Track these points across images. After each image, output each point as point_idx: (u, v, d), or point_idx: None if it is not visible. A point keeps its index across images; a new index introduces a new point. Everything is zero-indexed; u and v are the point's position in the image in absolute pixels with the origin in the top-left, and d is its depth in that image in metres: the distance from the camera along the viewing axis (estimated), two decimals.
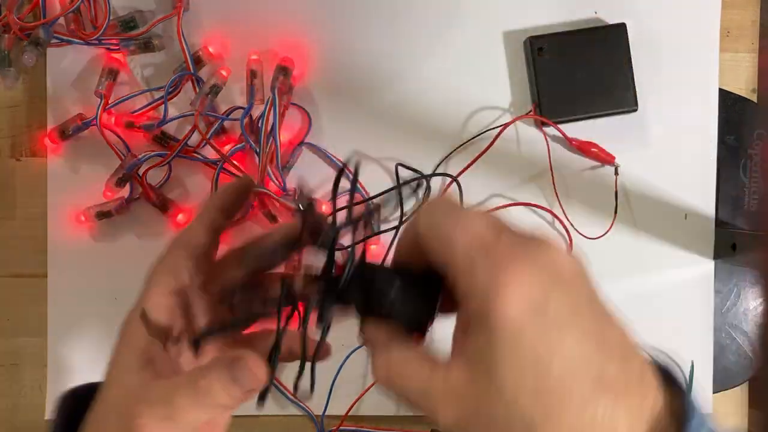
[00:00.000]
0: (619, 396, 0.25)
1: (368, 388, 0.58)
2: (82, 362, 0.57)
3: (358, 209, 0.34)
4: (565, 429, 0.25)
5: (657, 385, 0.26)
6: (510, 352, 0.25)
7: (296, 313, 0.33)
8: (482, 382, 0.25)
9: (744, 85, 0.61)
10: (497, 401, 0.25)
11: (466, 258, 0.26)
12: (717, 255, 0.59)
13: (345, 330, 0.59)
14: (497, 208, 0.58)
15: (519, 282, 0.25)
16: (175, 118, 0.57)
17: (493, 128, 0.58)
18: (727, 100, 0.60)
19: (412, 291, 0.30)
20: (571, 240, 0.59)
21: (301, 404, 0.58)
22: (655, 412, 0.26)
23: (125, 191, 0.56)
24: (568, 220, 0.59)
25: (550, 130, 0.58)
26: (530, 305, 0.25)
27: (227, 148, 0.56)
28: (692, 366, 0.59)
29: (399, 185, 0.57)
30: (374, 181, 0.58)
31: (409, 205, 0.58)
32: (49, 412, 0.58)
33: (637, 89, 0.57)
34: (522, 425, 0.25)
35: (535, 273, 0.25)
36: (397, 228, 0.57)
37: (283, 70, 0.55)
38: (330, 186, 0.58)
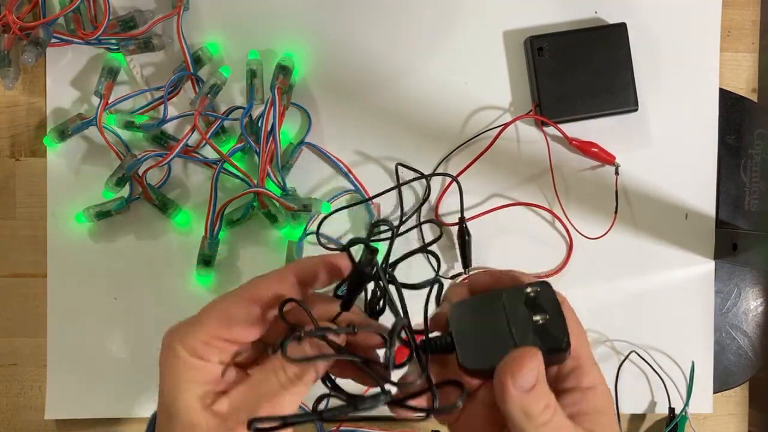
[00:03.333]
0: None
1: (368, 388, 0.58)
2: (82, 362, 0.57)
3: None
4: None
5: None
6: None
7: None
8: None
9: (744, 85, 0.61)
10: None
11: (588, 356, 0.34)
12: (717, 255, 0.59)
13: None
14: (497, 208, 0.58)
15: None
16: (175, 118, 0.57)
17: (493, 128, 0.58)
18: (727, 100, 0.60)
19: None
20: (571, 240, 0.59)
21: (301, 404, 0.58)
22: None
23: (125, 191, 0.56)
24: (568, 220, 0.59)
25: (550, 130, 0.58)
26: None
27: (227, 148, 0.56)
28: (692, 366, 0.59)
29: (399, 185, 0.57)
30: (374, 181, 0.58)
31: (409, 204, 0.58)
32: (49, 412, 0.58)
33: (637, 89, 0.57)
34: None
35: None
36: (397, 228, 0.57)
37: (283, 70, 0.55)
38: (330, 186, 0.58)
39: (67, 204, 0.57)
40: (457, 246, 0.58)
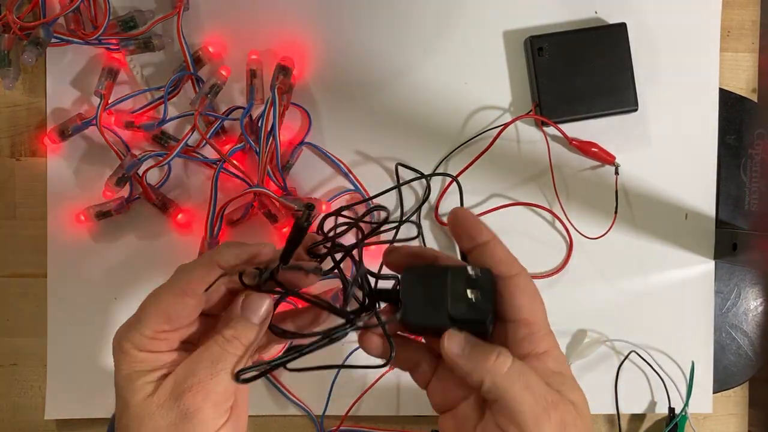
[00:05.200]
0: None
1: (368, 388, 0.58)
2: (82, 362, 0.57)
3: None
4: None
5: None
6: (580, 397, 0.36)
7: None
8: (570, 409, 0.35)
9: (744, 85, 0.61)
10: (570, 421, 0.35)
11: (543, 325, 0.36)
12: (717, 255, 0.59)
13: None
14: (497, 208, 0.58)
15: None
16: (175, 118, 0.57)
17: (493, 128, 0.58)
18: (728, 100, 0.60)
19: None
20: (571, 240, 0.59)
21: (301, 404, 0.58)
22: None
23: (125, 191, 0.56)
24: (568, 220, 0.59)
25: (550, 129, 0.58)
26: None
27: (227, 148, 0.56)
28: (692, 366, 0.59)
29: (399, 185, 0.57)
30: (374, 181, 0.58)
31: (409, 204, 0.58)
32: (49, 412, 0.58)
33: (637, 89, 0.57)
34: None
35: None
36: (397, 228, 0.57)
37: (283, 70, 0.55)
38: (330, 186, 0.58)
39: (67, 204, 0.57)
40: (456, 246, 0.58)
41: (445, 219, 0.58)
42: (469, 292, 0.35)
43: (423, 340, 0.39)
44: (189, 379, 0.35)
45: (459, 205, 0.57)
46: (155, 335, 0.37)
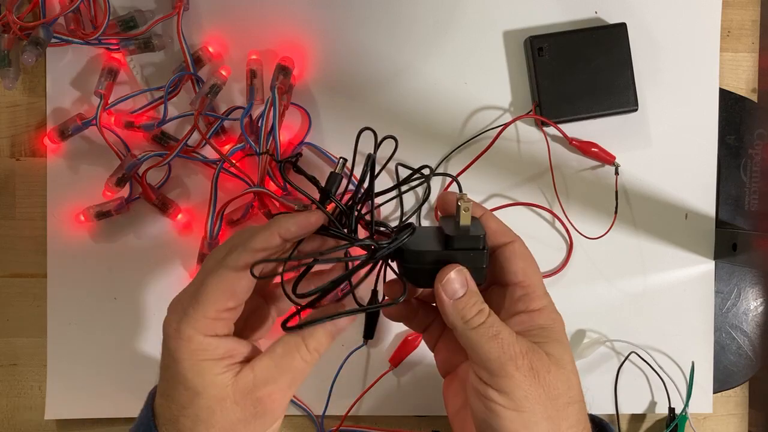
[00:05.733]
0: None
1: (368, 388, 0.58)
2: (82, 362, 0.57)
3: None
4: (580, 415, 0.38)
5: None
6: (569, 355, 0.39)
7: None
8: (556, 366, 0.38)
9: (744, 85, 0.61)
10: (564, 383, 0.38)
11: (538, 286, 0.40)
12: (717, 255, 0.59)
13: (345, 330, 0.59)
14: (497, 208, 0.58)
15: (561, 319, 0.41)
16: (175, 118, 0.57)
17: (493, 128, 0.58)
18: (728, 100, 0.60)
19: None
20: (571, 240, 0.59)
21: (301, 404, 0.58)
22: None
23: (125, 191, 0.56)
24: (568, 220, 0.59)
25: (550, 130, 0.58)
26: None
27: (227, 148, 0.56)
28: (692, 366, 0.59)
29: (399, 184, 0.57)
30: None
31: (410, 204, 0.58)
32: (49, 412, 0.58)
33: (637, 89, 0.57)
34: (564, 400, 0.38)
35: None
36: (397, 228, 0.57)
37: (283, 70, 0.55)
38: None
39: (67, 204, 0.57)
40: None
41: None
42: (462, 220, 0.38)
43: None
44: (270, 385, 0.37)
45: None
46: (218, 315, 0.36)
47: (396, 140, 0.43)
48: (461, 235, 0.38)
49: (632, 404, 0.60)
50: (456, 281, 0.37)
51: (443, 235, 0.39)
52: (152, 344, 0.58)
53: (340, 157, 0.42)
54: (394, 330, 0.58)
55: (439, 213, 0.41)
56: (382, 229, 0.43)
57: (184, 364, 0.36)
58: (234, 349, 0.37)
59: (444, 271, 0.37)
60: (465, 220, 0.39)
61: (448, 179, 0.58)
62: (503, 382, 0.36)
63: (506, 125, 0.58)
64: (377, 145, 0.42)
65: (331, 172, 0.42)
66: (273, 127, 0.54)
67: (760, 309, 0.61)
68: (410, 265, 0.39)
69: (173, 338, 0.36)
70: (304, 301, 0.38)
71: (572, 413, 0.37)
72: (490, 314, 0.37)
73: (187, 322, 0.36)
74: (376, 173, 0.41)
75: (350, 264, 0.40)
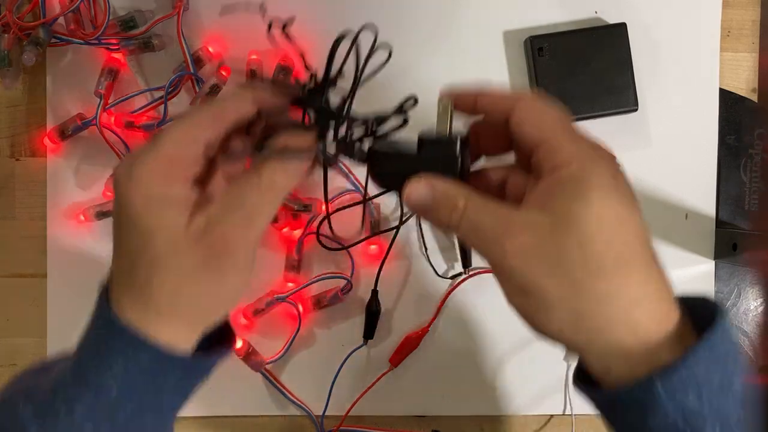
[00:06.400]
0: (665, 275, 0.33)
1: (368, 388, 0.58)
2: None
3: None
4: (630, 278, 0.31)
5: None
6: (597, 209, 0.32)
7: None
8: (562, 226, 0.31)
9: (744, 85, 0.61)
10: (574, 243, 0.31)
11: (559, 137, 0.34)
12: (717, 255, 0.59)
13: (345, 330, 0.60)
14: None
15: (607, 163, 0.34)
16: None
17: None
18: (728, 100, 0.60)
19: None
20: None
21: (301, 404, 0.58)
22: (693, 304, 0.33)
23: None
24: None
25: None
26: (613, 182, 0.33)
27: None
28: None
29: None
30: None
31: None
32: None
33: (637, 89, 0.57)
34: (594, 265, 0.31)
35: (613, 163, 0.35)
36: (397, 228, 0.57)
37: (283, 70, 0.55)
38: (330, 186, 0.58)
39: (67, 204, 0.57)
40: (456, 246, 0.58)
41: None
42: (439, 122, 0.38)
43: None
44: (223, 223, 0.33)
45: None
46: (174, 160, 0.34)
47: (390, 52, 0.42)
48: (434, 139, 0.37)
49: None
50: (416, 195, 0.36)
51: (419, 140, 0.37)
52: None
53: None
54: (394, 330, 0.58)
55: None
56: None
57: (136, 207, 0.33)
58: (188, 197, 0.34)
59: (406, 187, 0.36)
60: (442, 121, 0.37)
61: None
62: (500, 276, 0.33)
63: None
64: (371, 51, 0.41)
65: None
66: None
67: (760, 309, 0.61)
68: (377, 170, 0.38)
69: (123, 182, 0.33)
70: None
71: (605, 281, 0.31)
72: (466, 207, 0.34)
73: (140, 165, 0.33)
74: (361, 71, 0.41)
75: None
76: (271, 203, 0.35)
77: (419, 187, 0.36)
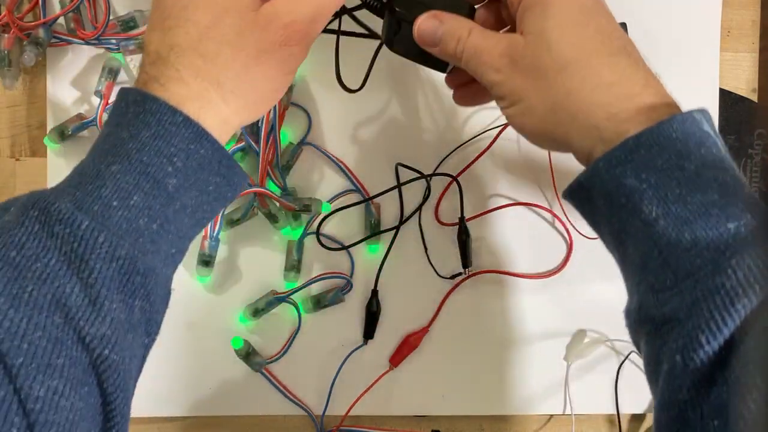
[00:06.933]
0: (640, 65, 0.38)
1: (368, 388, 0.58)
2: None
3: None
4: (593, 69, 0.36)
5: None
6: (558, 19, 0.37)
7: None
8: (534, 41, 0.37)
9: (744, 85, 0.61)
10: (543, 50, 0.36)
11: None
12: None
13: (345, 330, 0.60)
14: (497, 208, 0.58)
15: None
16: None
17: (493, 128, 0.58)
18: (728, 100, 0.60)
19: None
20: (571, 240, 0.59)
21: (301, 404, 0.58)
22: (665, 91, 0.38)
23: None
24: (568, 219, 0.59)
25: None
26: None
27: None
28: None
29: (399, 185, 0.57)
30: (374, 181, 0.58)
31: (410, 204, 0.58)
32: None
33: None
34: (561, 64, 0.36)
35: None
36: (397, 228, 0.57)
37: None
38: (330, 186, 0.58)
39: None
40: (457, 246, 0.58)
41: (445, 219, 0.58)
42: None
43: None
44: (294, 14, 0.36)
45: (459, 205, 0.57)
46: None
47: None
48: None
49: (632, 404, 0.60)
50: (425, 26, 0.40)
51: None
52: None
53: None
54: (394, 330, 0.58)
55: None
56: None
57: None
58: None
59: (418, 20, 0.41)
60: None
61: (448, 179, 0.58)
62: (494, 91, 0.39)
63: (506, 125, 0.58)
64: None
65: None
66: (273, 127, 0.54)
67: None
68: (395, 17, 0.42)
69: None
70: None
71: (572, 74, 0.36)
72: (470, 34, 0.39)
73: None
74: None
75: None
76: (332, 6, 0.39)
77: (429, 19, 0.40)
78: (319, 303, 0.57)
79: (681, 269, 0.32)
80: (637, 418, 0.60)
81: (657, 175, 0.34)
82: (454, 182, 0.57)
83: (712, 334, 0.30)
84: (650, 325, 0.34)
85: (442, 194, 0.58)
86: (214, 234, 0.55)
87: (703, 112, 0.36)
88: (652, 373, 0.34)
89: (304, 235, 0.57)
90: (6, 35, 0.54)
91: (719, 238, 0.32)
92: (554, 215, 0.59)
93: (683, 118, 0.35)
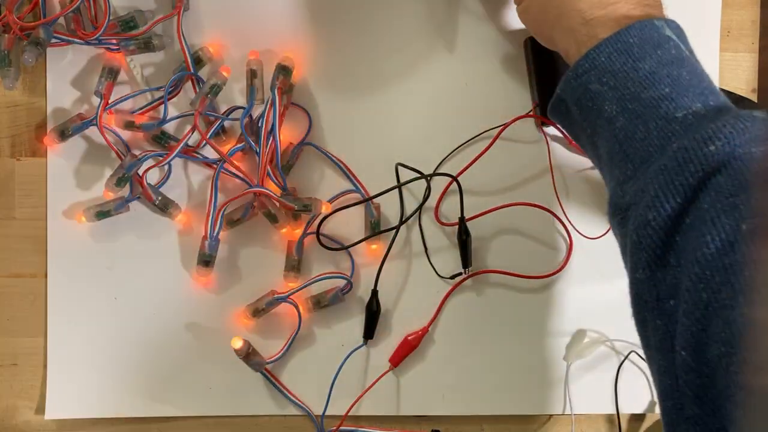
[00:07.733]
0: None
1: (368, 388, 0.58)
2: (82, 362, 0.57)
3: None
4: None
5: None
6: None
7: None
8: None
9: (744, 85, 0.61)
10: None
11: None
12: None
13: (345, 330, 0.60)
14: (497, 208, 0.58)
15: None
16: (175, 118, 0.57)
17: (493, 128, 0.58)
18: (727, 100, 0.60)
19: None
20: (571, 240, 0.59)
21: (301, 404, 0.58)
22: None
23: (125, 191, 0.56)
24: (568, 220, 0.59)
25: (550, 129, 0.58)
26: None
27: (227, 148, 0.56)
28: None
29: (399, 185, 0.57)
30: (374, 181, 0.58)
31: (410, 204, 0.58)
32: (49, 412, 0.58)
33: None
34: None
35: None
36: (397, 228, 0.57)
37: (283, 70, 0.55)
38: (330, 186, 0.58)
39: (67, 204, 0.57)
40: (457, 246, 0.58)
41: (445, 219, 0.58)
42: None
43: None
44: None
45: (459, 205, 0.57)
46: None
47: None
48: None
49: (632, 404, 0.60)
50: None
51: None
52: (153, 344, 0.58)
53: None
54: (394, 330, 0.58)
55: None
56: None
57: None
58: None
59: None
60: None
61: (449, 179, 0.58)
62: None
63: (506, 125, 0.58)
64: None
65: None
66: (273, 127, 0.54)
67: None
68: None
69: None
70: None
71: None
72: None
73: None
74: None
75: None
76: None
77: None
78: (319, 303, 0.57)
79: (637, 158, 0.37)
80: (637, 418, 0.60)
81: (615, 77, 0.38)
82: (454, 182, 0.57)
83: (656, 210, 0.34)
84: (619, 214, 0.38)
85: (442, 194, 0.58)
86: (214, 234, 0.55)
87: (668, 21, 0.41)
88: (624, 258, 0.38)
89: (304, 235, 0.57)
90: (6, 35, 0.54)
91: (667, 126, 0.36)
92: (554, 215, 0.59)
93: (642, 25, 0.40)
